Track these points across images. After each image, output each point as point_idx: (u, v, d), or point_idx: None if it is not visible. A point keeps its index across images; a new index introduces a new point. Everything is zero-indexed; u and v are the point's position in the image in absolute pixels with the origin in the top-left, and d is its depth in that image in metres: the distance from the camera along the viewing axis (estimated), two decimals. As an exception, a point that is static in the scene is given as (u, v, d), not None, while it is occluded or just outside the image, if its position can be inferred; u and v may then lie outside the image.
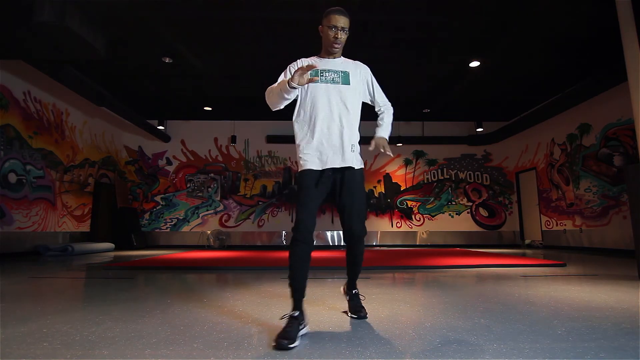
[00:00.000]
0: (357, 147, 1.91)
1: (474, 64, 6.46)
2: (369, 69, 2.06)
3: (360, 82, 2.00)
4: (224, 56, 6.36)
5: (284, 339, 1.50)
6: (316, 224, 1.80)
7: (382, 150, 1.90)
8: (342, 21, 1.87)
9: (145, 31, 5.48)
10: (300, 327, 1.63)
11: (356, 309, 2.02)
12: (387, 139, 1.98)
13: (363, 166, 1.96)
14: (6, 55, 5.30)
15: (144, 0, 4.75)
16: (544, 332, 1.67)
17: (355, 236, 1.88)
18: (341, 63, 1.97)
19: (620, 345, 1.50)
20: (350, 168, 1.86)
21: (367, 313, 2.01)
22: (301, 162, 1.85)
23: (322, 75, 1.89)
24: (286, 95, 1.80)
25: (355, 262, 2.03)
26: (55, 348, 1.47)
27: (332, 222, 9.53)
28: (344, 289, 2.17)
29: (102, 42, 5.18)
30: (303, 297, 1.73)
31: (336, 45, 1.90)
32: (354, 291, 2.08)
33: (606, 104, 6.81)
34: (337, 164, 1.82)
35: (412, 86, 7.67)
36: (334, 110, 1.86)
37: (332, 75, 1.90)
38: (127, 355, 1.39)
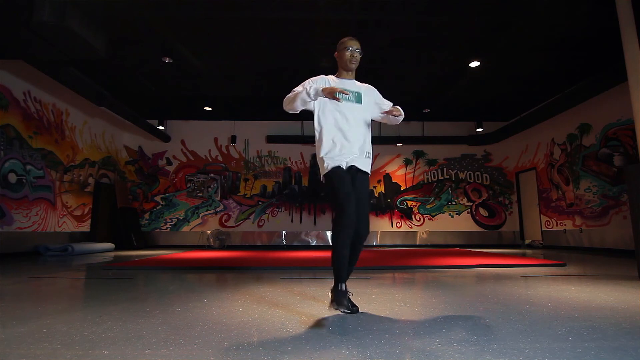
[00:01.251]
0: (371, 155, 2.23)
1: (474, 64, 6.46)
2: (375, 89, 2.37)
3: (370, 103, 2.30)
4: (224, 56, 6.36)
5: (347, 305, 1.96)
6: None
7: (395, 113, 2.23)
8: (356, 44, 2.23)
9: (145, 31, 5.48)
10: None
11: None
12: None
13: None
14: (6, 55, 5.30)
15: (144, 0, 4.75)
16: (544, 332, 1.67)
17: (363, 235, 2.13)
18: (355, 84, 2.28)
19: (620, 345, 1.50)
20: (365, 173, 2.17)
21: (358, 308, 2.09)
22: (326, 163, 2.13)
23: (343, 94, 2.16)
24: (310, 99, 2.11)
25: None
26: (55, 348, 1.47)
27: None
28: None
29: (102, 42, 5.17)
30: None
31: (353, 63, 2.22)
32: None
33: (606, 104, 6.81)
34: (358, 165, 2.13)
35: (412, 86, 7.67)
36: (352, 124, 2.16)
37: (349, 94, 2.18)
38: (127, 355, 1.39)
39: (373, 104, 2.32)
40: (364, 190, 2.16)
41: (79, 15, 4.58)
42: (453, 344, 1.52)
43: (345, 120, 2.15)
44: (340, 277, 1.99)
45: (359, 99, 2.23)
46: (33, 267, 4.67)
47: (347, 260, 2.02)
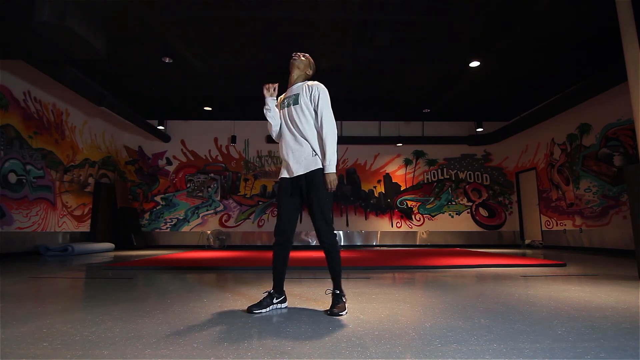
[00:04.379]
0: (317, 152, 2.22)
1: (474, 64, 6.46)
2: (322, 88, 2.29)
3: (307, 100, 2.28)
4: (224, 56, 6.36)
5: (254, 306, 2.12)
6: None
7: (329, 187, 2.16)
8: (296, 54, 2.37)
9: (145, 31, 5.48)
10: (274, 301, 2.21)
11: (331, 307, 2.09)
12: (334, 169, 2.17)
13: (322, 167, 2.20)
14: (6, 55, 5.29)
15: (144, 0, 4.75)
16: (544, 332, 1.67)
17: (322, 235, 2.21)
18: (296, 88, 2.33)
19: (620, 345, 1.50)
20: (310, 176, 2.18)
21: (339, 312, 2.04)
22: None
23: (283, 103, 2.35)
24: (266, 109, 2.30)
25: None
26: (55, 348, 1.47)
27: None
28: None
29: (102, 42, 5.17)
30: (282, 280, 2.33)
31: (291, 71, 2.35)
32: (336, 291, 2.16)
33: (606, 104, 6.81)
34: (301, 171, 2.19)
35: (412, 86, 7.67)
36: (291, 128, 2.27)
37: (288, 100, 2.33)
38: (127, 355, 1.39)
39: (309, 99, 2.26)
40: (313, 195, 2.16)
41: (79, 15, 4.59)
42: (453, 344, 1.52)
43: (288, 126, 2.27)
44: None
45: (295, 101, 2.27)
46: (33, 267, 4.67)
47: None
